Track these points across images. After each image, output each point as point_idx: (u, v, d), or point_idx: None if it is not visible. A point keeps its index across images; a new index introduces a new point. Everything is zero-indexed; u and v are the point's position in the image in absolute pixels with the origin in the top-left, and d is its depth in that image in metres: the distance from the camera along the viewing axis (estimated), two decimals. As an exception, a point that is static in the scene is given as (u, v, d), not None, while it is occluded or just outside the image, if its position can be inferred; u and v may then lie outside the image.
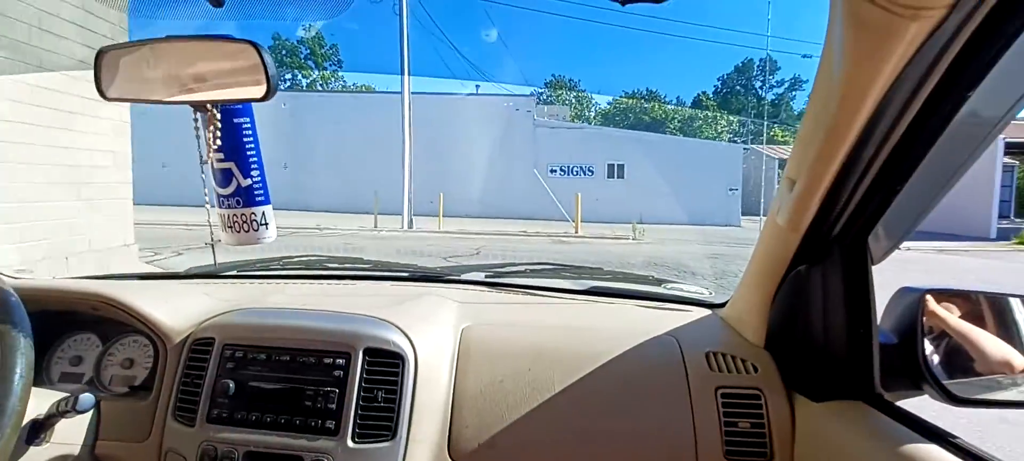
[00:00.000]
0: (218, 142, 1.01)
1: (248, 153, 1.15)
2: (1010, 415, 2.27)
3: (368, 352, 0.87)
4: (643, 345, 0.94)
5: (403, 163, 12.97)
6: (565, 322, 1.05)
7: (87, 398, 0.84)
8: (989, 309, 0.79)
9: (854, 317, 0.75)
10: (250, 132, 1.15)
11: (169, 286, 1.21)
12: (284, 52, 40.31)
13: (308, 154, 17.92)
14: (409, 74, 12.93)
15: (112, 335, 1.01)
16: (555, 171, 19.33)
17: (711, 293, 1.24)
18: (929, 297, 0.75)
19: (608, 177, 19.37)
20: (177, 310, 1.00)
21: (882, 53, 0.49)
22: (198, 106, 0.95)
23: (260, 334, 0.91)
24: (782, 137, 34.96)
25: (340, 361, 0.87)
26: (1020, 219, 17.55)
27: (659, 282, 1.42)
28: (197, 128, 1.00)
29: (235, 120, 1.11)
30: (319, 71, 42.50)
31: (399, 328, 0.92)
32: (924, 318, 0.74)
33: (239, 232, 1.18)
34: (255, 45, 0.78)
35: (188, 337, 0.94)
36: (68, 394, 0.85)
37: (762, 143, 26.05)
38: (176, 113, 1.03)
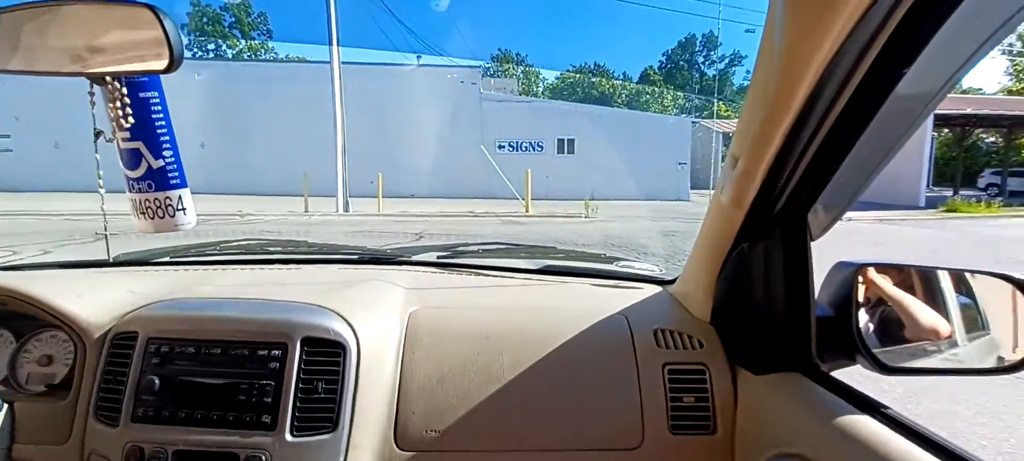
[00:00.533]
0: (127, 120, 0.94)
1: (159, 131, 1.07)
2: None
3: (306, 342, 0.83)
4: (593, 324, 0.94)
5: (336, 140, 11.72)
6: (516, 303, 1.05)
7: None
8: (919, 280, 0.83)
9: (793, 292, 0.78)
10: (159, 108, 1.06)
11: (91, 276, 1.11)
12: (205, 19, 36.77)
13: (231, 131, 16.10)
14: (338, 40, 11.57)
15: (27, 331, 0.93)
16: (503, 147, 18.52)
17: (662, 270, 1.27)
18: (864, 270, 0.79)
19: (558, 153, 18.80)
20: (97, 303, 0.93)
21: (822, 27, 0.50)
22: (96, 79, 0.88)
23: (188, 326, 0.86)
24: (726, 112, 35.88)
25: (276, 352, 0.82)
26: (938, 187, 18.50)
27: (611, 260, 1.43)
28: (93, 103, 0.94)
29: (141, 95, 1.02)
30: (247, 41, 39.12)
31: (340, 315, 0.89)
32: (859, 291, 0.77)
33: (153, 218, 1.09)
34: (153, 9, 0.73)
35: (109, 331, 0.88)
36: None
37: (706, 118, 26.25)
38: (72, 84, 0.89)
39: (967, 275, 0.83)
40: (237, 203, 11.38)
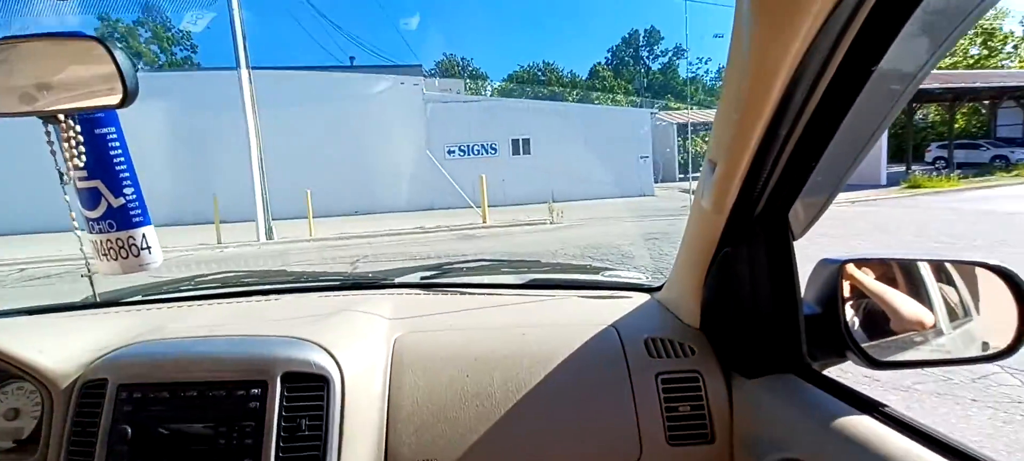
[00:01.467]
0: (81, 159, 0.92)
1: (118, 167, 1.04)
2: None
3: (286, 377, 0.82)
4: (583, 337, 0.95)
5: (250, 155, 9.81)
6: (504, 320, 1.05)
7: None
8: (900, 272, 0.86)
9: (779, 292, 0.80)
10: (117, 143, 1.03)
11: (56, 321, 1.10)
12: (116, 35, 33.10)
13: (148, 154, 13.67)
14: (244, 35, 9.74)
15: None
16: (453, 152, 17.24)
17: (648, 277, 1.31)
18: (847, 266, 0.82)
19: (513, 154, 17.78)
20: (63, 349, 0.91)
21: (789, 29, 0.52)
22: (48, 118, 0.87)
23: (159, 370, 0.84)
24: (675, 105, 35.95)
25: (255, 391, 0.81)
26: (891, 164, 18.42)
27: (597, 270, 1.46)
28: (50, 142, 0.91)
29: (97, 131, 1.00)
30: (167, 57, 35.72)
31: (321, 346, 0.87)
32: (843, 287, 0.80)
33: (117, 260, 1.07)
34: (102, 42, 0.73)
35: (77, 380, 0.86)
36: None
37: (660, 110, 25.71)
38: (17, 122, 0.92)
39: (947, 265, 0.86)
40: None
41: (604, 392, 0.88)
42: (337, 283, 1.32)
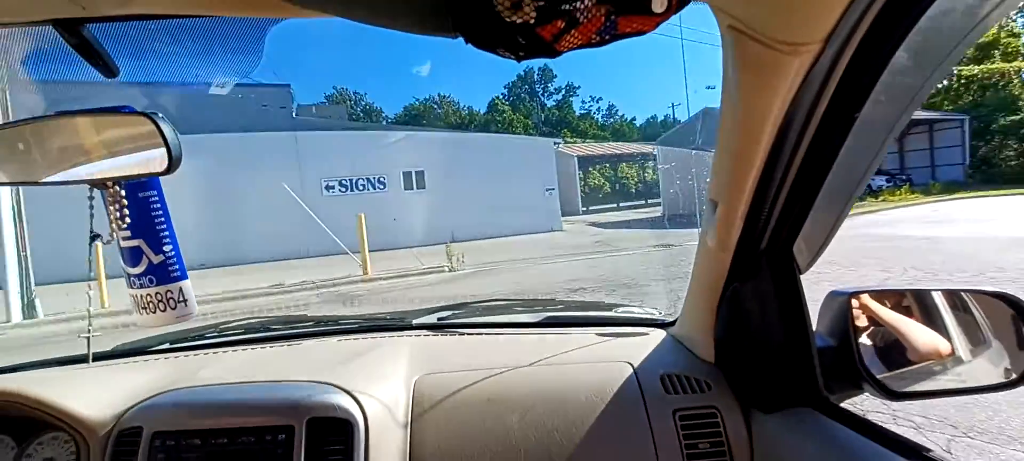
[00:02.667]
0: (125, 220, 1.03)
1: (158, 227, 1.13)
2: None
3: (312, 422, 0.87)
4: (600, 375, 1.00)
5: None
6: (521, 360, 1.07)
7: None
8: (915, 302, 0.89)
9: (790, 325, 0.84)
10: (158, 205, 1.13)
11: (89, 371, 1.17)
12: None
13: None
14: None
15: (28, 434, 0.96)
16: (332, 187, 14.75)
17: (661, 311, 1.35)
18: (859, 297, 0.86)
19: (406, 188, 15.69)
20: (98, 398, 0.97)
21: (772, 87, 0.59)
22: (97, 184, 0.97)
23: (192, 417, 0.91)
24: (572, 139, 36.29)
25: (282, 437, 0.86)
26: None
27: (611, 306, 1.56)
28: (91, 207, 1.05)
29: (141, 195, 1.10)
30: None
31: (344, 390, 0.93)
32: (855, 318, 0.84)
33: (155, 313, 1.15)
34: (152, 117, 0.80)
35: (113, 428, 0.92)
36: None
37: (557, 141, 25.37)
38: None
39: (963, 294, 0.90)
40: None
41: (623, 430, 0.91)
42: (355, 326, 1.37)
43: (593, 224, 18.76)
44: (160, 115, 0.78)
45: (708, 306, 0.95)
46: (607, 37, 0.45)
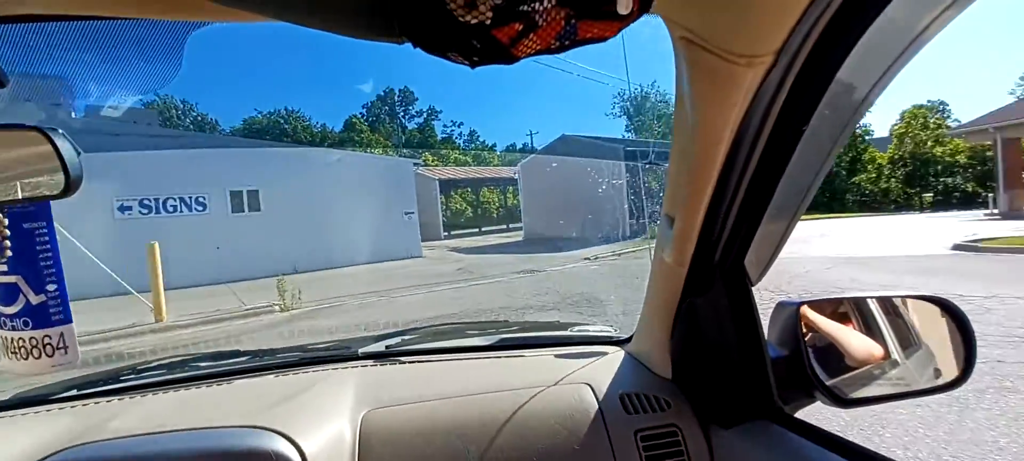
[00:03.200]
0: (6, 253, 0.95)
1: (43, 263, 1.03)
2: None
3: None
4: (559, 399, 0.99)
5: None
6: (476, 386, 1.05)
7: None
8: (853, 310, 0.96)
9: (744, 338, 0.87)
10: (46, 237, 1.03)
11: None
12: None
13: None
14: None
15: None
16: (129, 208, 11.63)
17: (616, 329, 1.36)
18: (804, 308, 0.90)
19: (235, 211, 13.35)
20: None
21: (726, 99, 0.61)
22: None
23: None
24: (433, 162, 35.81)
25: None
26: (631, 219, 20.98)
27: (565, 325, 1.56)
28: None
29: (25, 225, 1.01)
30: None
31: (280, 434, 0.86)
32: (803, 328, 0.89)
33: (28, 359, 1.04)
34: (42, 130, 0.74)
35: None
36: None
37: (417, 162, 24.57)
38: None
39: (895, 300, 0.94)
40: None
41: (584, 453, 0.91)
42: (295, 359, 1.27)
43: (455, 249, 18.33)
44: (58, 131, 0.73)
45: (664, 322, 0.97)
46: (567, 42, 0.44)
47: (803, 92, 0.60)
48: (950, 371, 0.84)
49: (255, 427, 0.85)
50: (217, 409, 0.99)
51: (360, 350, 1.27)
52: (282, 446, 0.82)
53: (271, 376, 1.18)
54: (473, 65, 0.45)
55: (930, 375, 0.88)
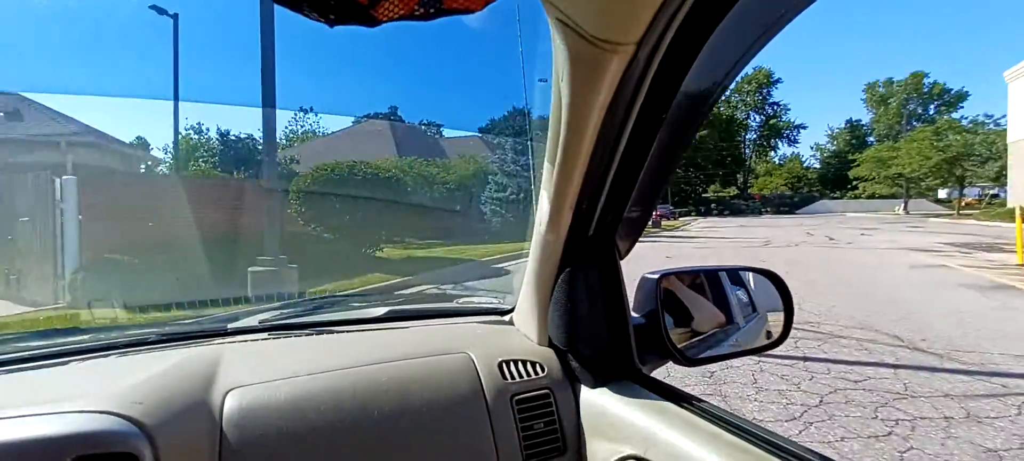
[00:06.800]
0: None
1: None
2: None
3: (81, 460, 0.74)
4: (438, 367, 1.00)
5: None
6: (357, 357, 1.02)
7: None
8: (707, 281, 1.09)
9: (611, 307, 0.96)
10: None
11: None
12: None
13: None
14: None
15: None
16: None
17: (501, 300, 1.39)
18: (664, 280, 1.01)
19: None
20: None
21: (595, 82, 0.66)
22: None
23: None
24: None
25: None
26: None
27: (452, 297, 1.68)
28: None
29: None
30: None
31: (123, 417, 0.74)
32: (661, 298, 1.00)
33: None
34: None
35: None
36: None
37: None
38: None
39: (740, 273, 1.10)
40: None
41: (462, 421, 0.93)
42: (154, 337, 1.13)
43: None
44: None
45: (542, 292, 1.03)
46: (432, 10, 0.42)
47: (663, 81, 0.66)
48: (777, 332, 1.03)
49: (94, 412, 0.72)
50: (56, 391, 0.83)
51: (230, 326, 1.19)
52: (126, 429, 0.71)
53: (131, 356, 1.03)
54: (331, 24, 0.42)
55: (763, 337, 1.05)
